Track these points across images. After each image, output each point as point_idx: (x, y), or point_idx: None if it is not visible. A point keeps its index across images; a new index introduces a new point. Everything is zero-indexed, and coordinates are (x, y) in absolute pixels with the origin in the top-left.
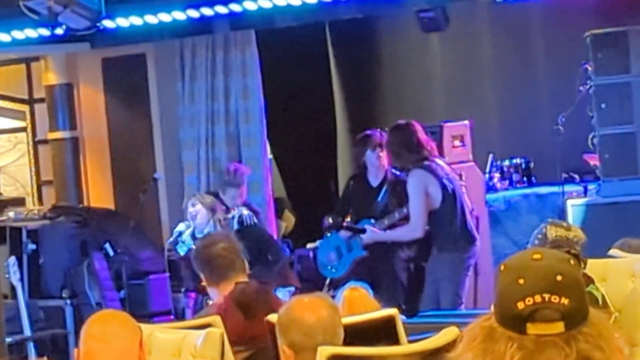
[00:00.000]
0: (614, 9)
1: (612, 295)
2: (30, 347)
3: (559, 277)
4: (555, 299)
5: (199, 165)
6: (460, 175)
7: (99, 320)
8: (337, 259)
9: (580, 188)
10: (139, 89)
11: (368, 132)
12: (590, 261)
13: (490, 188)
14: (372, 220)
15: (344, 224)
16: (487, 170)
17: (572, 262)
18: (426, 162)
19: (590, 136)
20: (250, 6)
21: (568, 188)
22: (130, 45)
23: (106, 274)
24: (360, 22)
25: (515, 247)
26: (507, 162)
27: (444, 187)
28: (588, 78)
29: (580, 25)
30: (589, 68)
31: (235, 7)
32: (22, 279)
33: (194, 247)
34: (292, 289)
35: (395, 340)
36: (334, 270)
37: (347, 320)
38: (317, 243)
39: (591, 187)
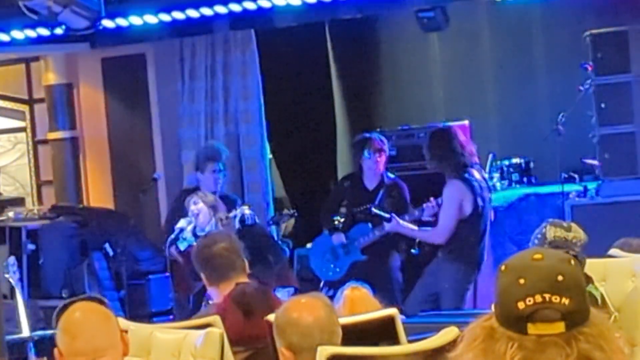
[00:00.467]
0: (614, 9)
1: (612, 295)
2: (30, 348)
3: (559, 277)
4: (556, 299)
5: None
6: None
7: (75, 316)
8: (333, 260)
9: (580, 188)
10: (138, 89)
11: (366, 134)
12: (590, 261)
13: (490, 188)
14: (370, 225)
15: (372, 209)
16: (487, 170)
17: (572, 262)
18: (466, 175)
19: (590, 136)
20: (250, 6)
21: (568, 188)
22: (130, 45)
23: (106, 274)
24: (360, 22)
25: (515, 247)
26: (507, 162)
27: (475, 205)
28: (588, 78)
29: (580, 25)
30: (589, 68)
31: (234, 7)
32: (21, 279)
33: (194, 244)
34: (292, 289)
35: (395, 340)
36: (330, 273)
37: (348, 320)
38: (311, 245)
39: (591, 187)
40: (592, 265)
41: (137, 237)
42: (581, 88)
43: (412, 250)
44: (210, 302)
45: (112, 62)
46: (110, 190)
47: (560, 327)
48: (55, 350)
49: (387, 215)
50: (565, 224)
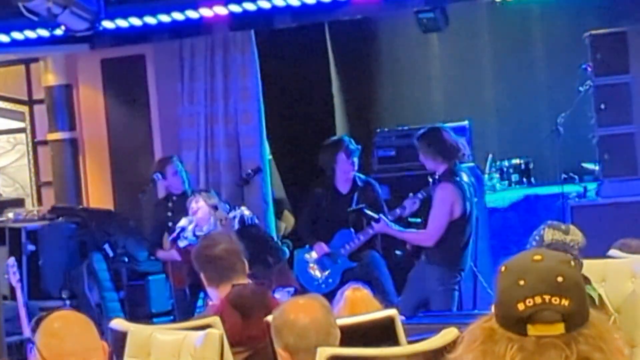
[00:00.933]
0: (613, 10)
1: (612, 296)
2: (30, 348)
3: (559, 279)
4: (555, 300)
5: (198, 166)
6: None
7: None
8: (322, 272)
9: (579, 189)
10: (138, 89)
11: (335, 138)
12: (590, 262)
13: (490, 188)
14: (352, 229)
15: (364, 210)
16: (487, 170)
17: (572, 263)
18: (457, 177)
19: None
20: (250, 7)
21: (568, 189)
22: (129, 46)
23: (105, 274)
24: (359, 23)
25: (515, 248)
26: (506, 163)
27: (464, 209)
28: (587, 78)
29: (579, 26)
30: (588, 68)
31: (234, 8)
32: (21, 280)
33: (195, 243)
34: (292, 289)
35: (395, 341)
36: (324, 286)
37: (347, 320)
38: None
39: (591, 187)
40: (592, 266)
41: (137, 238)
42: (581, 89)
43: (397, 252)
44: (210, 302)
45: (112, 63)
46: (110, 191)
47: (560, 328)
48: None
49: (376, 216)
50: (563, 227)
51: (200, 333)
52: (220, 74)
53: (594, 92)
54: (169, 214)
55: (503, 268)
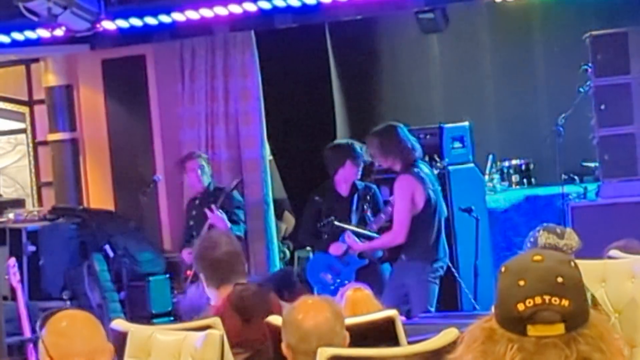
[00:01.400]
0: (613, 11)
1: (612, 297)
2: (30, 349)
3: (559, 279)
4: (555, 300)
5: None
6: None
7: (65, 321)
8: (335, 276)
9: (580, 189)
10: (138, 90)
11: (343, 142)
12: (589, 262)
13: (490, 189)
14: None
15: (331, 222)
16: (487, 171)
17: (572, 264)
18: (415, 169)
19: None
20: (250, 7)
21: (568, 189)
22: (130, 46)
23: (106, 275)
24: (359, 23)
25: (515, 249)
26: (506, 164)
27: (427, 197)
28: (588, 79)
29: (580, 26)
30: (589, 69)
31: (234, 9)
32: (22, 281)
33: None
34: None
35: (395, 342)
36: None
37: (348, 321)
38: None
39: (591, 188)
40: (591, 267)
41: (138, 238)
42: (581, 89)
43: (379, 254)
44: (210, 303)
45: (112, 64)
46: (110, 192)
47: (559, 328)
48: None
49: (347, 227)
50: (558, 230)
51: (201, 334)
52: (220, 75)
53: (594, 92)
54: (193, 212)
55: (503, 269)
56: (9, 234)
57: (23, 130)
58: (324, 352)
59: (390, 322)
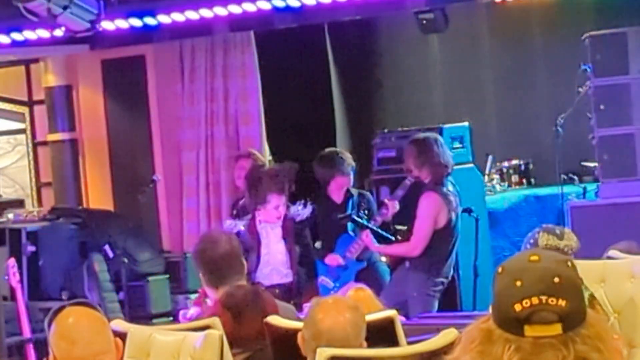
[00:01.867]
0: (613, 11)
1: (611, 297)
2: (30, 349)
3: (556, 279)
4: (552, 300)
5: (198, 167)
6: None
7: (70, 322)
8: (334, 280)
9: (579, 189)
10: (138, 90)
11: (335, 153)
12: (589, 262)
13: (490, 190)
14: (352, 232)
15: (351, 215)
16: (487, 171)
17: (569, 264)
18: (443, 188)
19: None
20: (250, 8)
21: (567, 189)
22: (129, 46)
23: (105, 275)
24: (359, 24)
25: (515, 249)
26: (506, 164)
27: (449, 219)
28: (587, 79)
29: (579, 26)
30: (588, 69)
31: (234, 9)
32: (21, 281)
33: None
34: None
35: (394, 342)
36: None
37: None
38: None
39: (590, 188)
40: (591, 267)
41: (137, 238)
42: (580, 89)
43: (382, 259)
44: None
45: (112, 64)
46: (109, 192)
47: (557, 328)
48: (51, 356)
49: (365, 223)
50: (558, 231)
51: (200, 334)
52: (220, 75)
53: (593, 92)
54: (234, 211)
55: (500, 269)
56: (9, 234)
57: (23, 131)
58: (323, 352)
59: (389, 322)
